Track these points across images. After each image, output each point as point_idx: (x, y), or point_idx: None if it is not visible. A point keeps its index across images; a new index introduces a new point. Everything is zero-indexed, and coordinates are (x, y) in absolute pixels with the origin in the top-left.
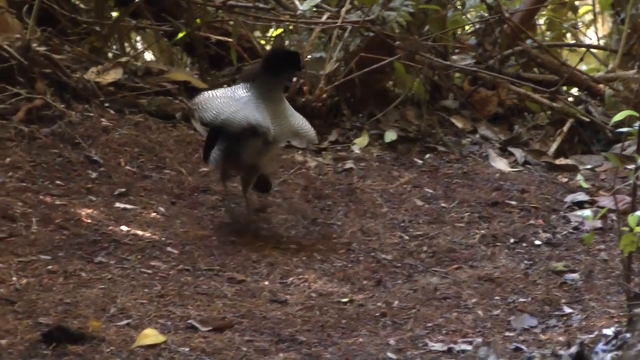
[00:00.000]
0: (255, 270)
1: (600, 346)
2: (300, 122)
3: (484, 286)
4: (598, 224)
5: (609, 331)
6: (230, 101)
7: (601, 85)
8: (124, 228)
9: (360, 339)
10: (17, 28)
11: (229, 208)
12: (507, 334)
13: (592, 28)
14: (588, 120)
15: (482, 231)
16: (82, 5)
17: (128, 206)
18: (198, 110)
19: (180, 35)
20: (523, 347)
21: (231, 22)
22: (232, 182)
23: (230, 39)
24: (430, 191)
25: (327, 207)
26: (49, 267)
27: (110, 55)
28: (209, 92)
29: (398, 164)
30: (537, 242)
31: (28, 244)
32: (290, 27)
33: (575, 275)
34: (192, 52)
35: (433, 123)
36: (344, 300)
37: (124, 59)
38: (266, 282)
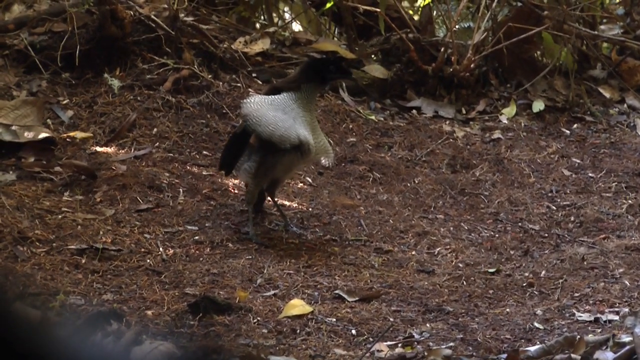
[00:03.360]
0: (402, 241)
1: None
2: (325, 139)
3: (631, 256)
4: None
5: None
6: (281, 115)
7: None
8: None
9: (508, 309)
10: None
11: (253, 235)
12: None
13: None
14: None
15: (630, 201)
16: None
17: None
18: (252, 123)
19: (328, 5)
20: None
21: None
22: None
23: (378, 9)
24: (578, 161)
25: (475, 176)
26: (196, 237)
27: (258, 25)
28: (255, 100)
29: (546, 134)
30: None
31: (175, 214)
32: None
33: None
34: (340, 22)
35: (581, 93)
36: (491, 270)
37: (271, 29)
38: (413, 252)
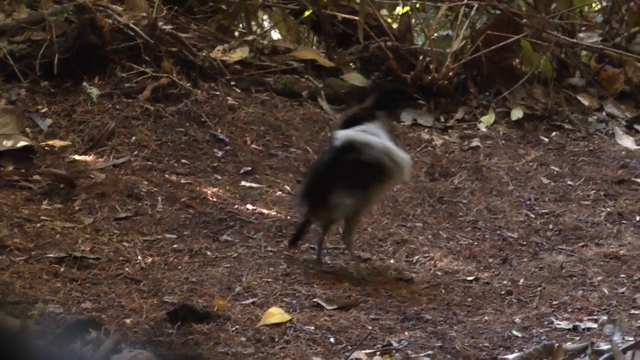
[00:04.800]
0: (381, 249)
1: None
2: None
3: (609, 264)
4: None
5: None
6: (389, 142)
7: None
8: (250, 207)
9: (486, 317)
10: (143, 6)
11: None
12: (632, 311)
13: None
14: None
15: (608, 209)
16: None
17: (254, 185)
18: (374, 152)
19: (307, 13)
20: None
21: (358, 0)
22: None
23: (357, 17)
24: (557, 169)
25: (453, 185)
26: (175, 245)
27: (237, 33)
28: (355, 131)
29: (524, 142)
30: None
31: (154, 222)
32: (417, 5)
33: None
34: (318, 31)
35: (560, 101)
36: (470, 278)
37: (250, 37)
38: (392, 261)
